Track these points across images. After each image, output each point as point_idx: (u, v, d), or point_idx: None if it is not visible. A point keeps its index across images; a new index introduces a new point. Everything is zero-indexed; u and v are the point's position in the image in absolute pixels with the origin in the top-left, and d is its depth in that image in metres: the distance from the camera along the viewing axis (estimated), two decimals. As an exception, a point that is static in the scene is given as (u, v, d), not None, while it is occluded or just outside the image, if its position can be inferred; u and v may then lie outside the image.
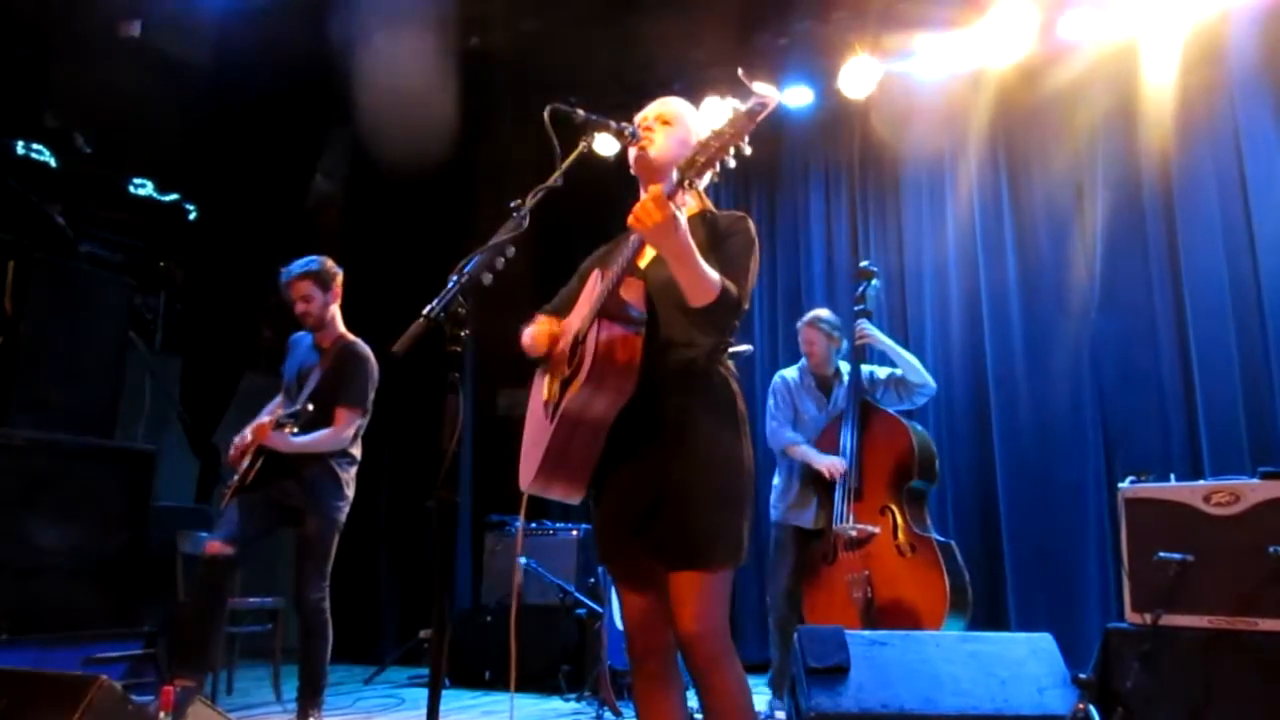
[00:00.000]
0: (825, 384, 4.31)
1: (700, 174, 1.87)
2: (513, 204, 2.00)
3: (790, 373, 4.36)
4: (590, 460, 2.03)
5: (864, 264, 4.41)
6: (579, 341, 2.04)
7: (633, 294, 2.00)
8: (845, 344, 4.33)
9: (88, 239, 5.58)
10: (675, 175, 1.87)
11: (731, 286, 1.98)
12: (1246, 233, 4.60)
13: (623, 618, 2.17)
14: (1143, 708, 2.94)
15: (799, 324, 4.40)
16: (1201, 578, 2.98)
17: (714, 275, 1.95)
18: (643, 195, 1.96)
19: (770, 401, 4.31)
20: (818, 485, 4.07)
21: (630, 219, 1.89)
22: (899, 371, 4.19)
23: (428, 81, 5.46)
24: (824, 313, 4.37)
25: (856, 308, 4.23)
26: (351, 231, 6.56)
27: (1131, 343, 4.90)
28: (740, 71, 1.93)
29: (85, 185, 5.65)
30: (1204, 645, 2.94)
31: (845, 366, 4.32)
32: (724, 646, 1.96)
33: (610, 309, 1.97)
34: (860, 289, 4.29)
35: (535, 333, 2.22)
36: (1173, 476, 3.40)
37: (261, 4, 5.29)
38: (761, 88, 1.88)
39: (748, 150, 1.85)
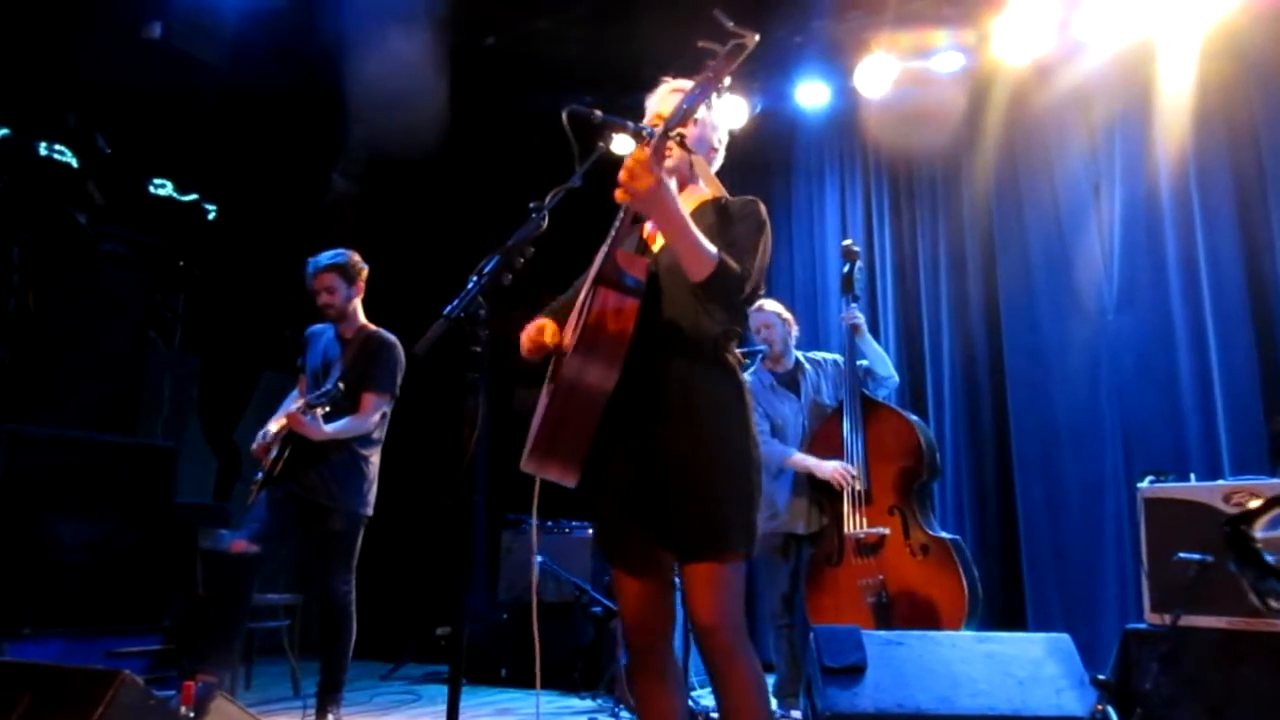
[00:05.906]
0: (787, 381, 4.13)
1: (684, 122, 1.88)
2: (531, 204, 2.00)
3: (747, 378, 4.17)
4: (584, 437, 1.91)
5: (846, 243, 4.24)
6: (581, 314, 1.99)
7: (632, 265, 1.96)
8: (797, 331, 4.19)
9: (109, 239, 5.64)
10: (663, 127, 1.85)
11: (732, 261, 1.94)
12: (1265, 230, 4.56)
13: (621, 611, 2.10)
14: (1162, 709, 2.92)
15: (750, 313, 4.16)
16: (1221, 578, 2.95)
17: (710, 247, 1.92)
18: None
19: None
20: (812, 487, 3.94)
21: (617, 191, 1.86)
22: (866, 363, 4.06)
23: (444, 81, 5.49)
24: (770, 300, 4.19)
25: (845, 293, 4.09)
26: (368, 230, 6.59)
27: (1149, 341, 4.86)
28: (715, 12, 1.90)
29: (106, 185, 5.71)
30: (1224, 646, 2.92)
31: (802, 356, 4.18)
32: (740, 639, 1.92)
33: (606, 274, 1.93)
34: (847, 269, 4.12)
35: (526, 332, 2.18)
36: (1192, 476, 3.37)
37: (279, 5, 5.34)
38: (737, 28, 1.87)
39: (727, 89, 1.89)
